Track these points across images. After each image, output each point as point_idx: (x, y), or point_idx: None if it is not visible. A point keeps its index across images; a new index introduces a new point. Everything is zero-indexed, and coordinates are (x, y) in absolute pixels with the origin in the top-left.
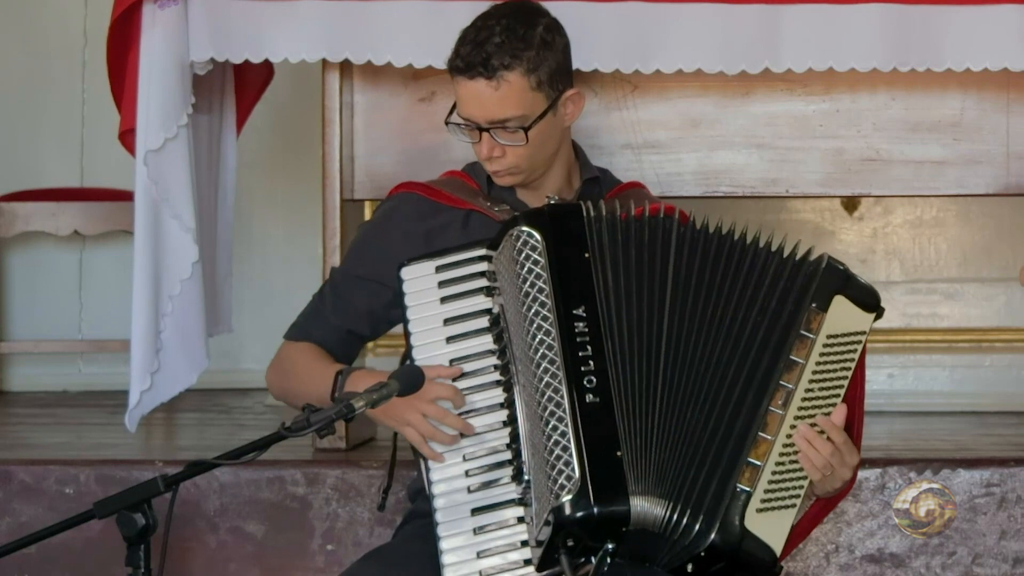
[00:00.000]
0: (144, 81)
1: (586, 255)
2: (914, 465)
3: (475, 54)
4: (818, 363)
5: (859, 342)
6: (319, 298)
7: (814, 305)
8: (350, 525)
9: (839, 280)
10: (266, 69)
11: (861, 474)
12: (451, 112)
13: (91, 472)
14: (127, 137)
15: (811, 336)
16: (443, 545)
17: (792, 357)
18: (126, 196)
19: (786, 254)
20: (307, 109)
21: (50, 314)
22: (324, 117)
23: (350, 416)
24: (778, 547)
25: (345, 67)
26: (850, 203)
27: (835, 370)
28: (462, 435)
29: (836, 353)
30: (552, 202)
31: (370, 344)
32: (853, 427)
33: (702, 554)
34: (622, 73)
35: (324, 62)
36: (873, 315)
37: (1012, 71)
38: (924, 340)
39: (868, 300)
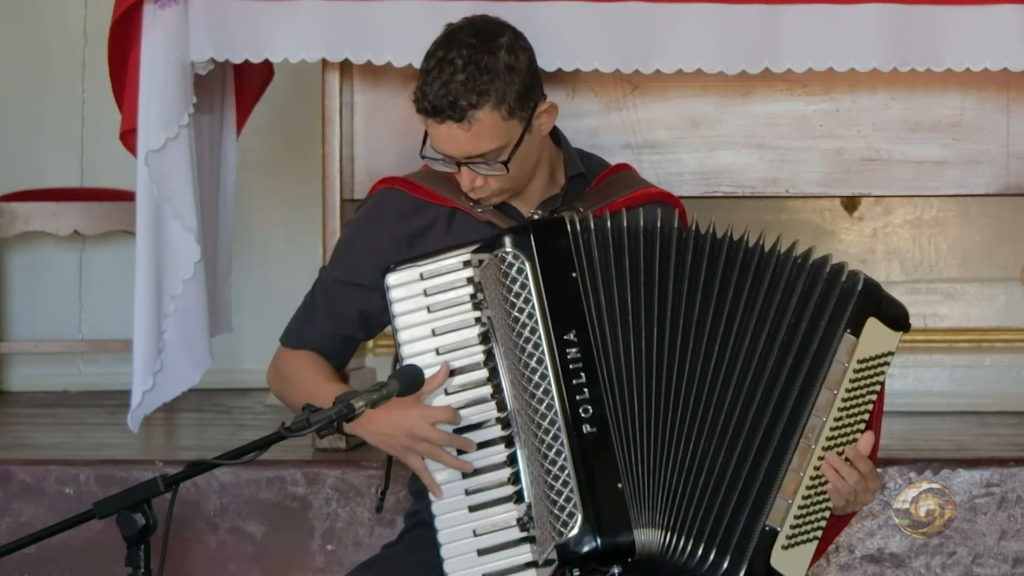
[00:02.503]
0: (145, 81)
1: (573, 275)
2: (914, 465)
3: (441, 97)
4: (848, 390)
5: (887, 364)
6: (311, 301)
7: (848, 331)
8: (350, 525)
9: (874, 302)
10: (266, 69)
11: None
12: (424, 144)
13: (91, 472)
14: (128, 137)
15: (844, 364)
16: (447, 566)
17: (826, 390)
18: (126, 196)
19: (813, 266)
20: (307, 109)
21: (50, 314)
22: (324, 117)
23: (350, 416)
24: None
25: (345, 67)
26: (850, 203)
27: (862, 395)
28: (460, 452)
29: (864, 378)
30: (536, 217)
31: (370, 344)
32: (873, 444)
33: None
34: (622, 73)
35: (324, 62)
36: (901, 333)
37: (1012, 71)
38: (924, 340)
39: (898, 318)
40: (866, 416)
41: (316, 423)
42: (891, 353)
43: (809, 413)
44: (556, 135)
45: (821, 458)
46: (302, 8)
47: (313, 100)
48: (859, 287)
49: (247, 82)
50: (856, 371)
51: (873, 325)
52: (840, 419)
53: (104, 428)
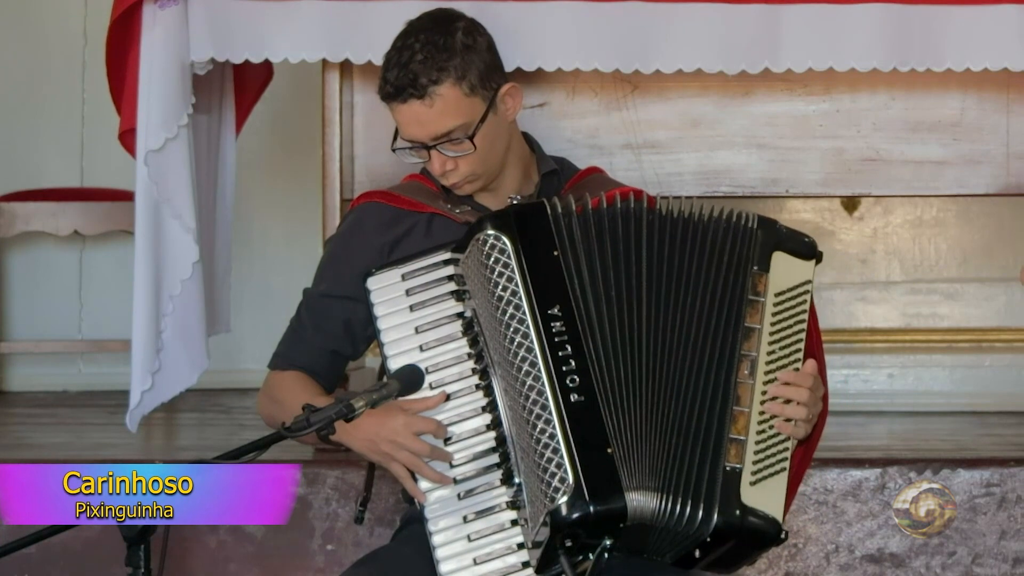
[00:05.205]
0: (144, 81)
1: (555, 253)
2: (914, 465)
3: (402, 77)
4: (772, 323)
5: (806, 292)
6: (297, 322)
7: (755, 268)
8: (350, 525)
9: (774, 237)
10: (266, 69)
11: (861, 474)
12: (395, 138)
13: None
14: (127, 137)
15: (760, 299)
16: (439, 554)
17: (747, 324)
18: (126, 196)
19: (731, 224)
20: (307, 109)
21: (50, 314)
22: (324, 117)
23: (350, 416)
24: (779, 514)
25: (345, 67)
26: (850, 203)
27: (790, 325)
28: (447, 440)
29: (787, 309)
30: (515, 202)
31: None
32: (820, 373)
33: (708, 539)
34: (622, 73)
35: (324, 62)
36: (813, 262)
37: (1012, 71)
38: (924, 340)
39: (805, 250)
40: (799, 344)
41: (316, 423)
42: (808, 282)
43: (738, 351)
44: (529, 140)
45: (764, 392)
46: (302, 8)
47: (313, 100)
48: (755, 227)
49: (246, 82)
50: (776, 304)
51: (781, 258)
52: (773, 351)
53: (104, 428)
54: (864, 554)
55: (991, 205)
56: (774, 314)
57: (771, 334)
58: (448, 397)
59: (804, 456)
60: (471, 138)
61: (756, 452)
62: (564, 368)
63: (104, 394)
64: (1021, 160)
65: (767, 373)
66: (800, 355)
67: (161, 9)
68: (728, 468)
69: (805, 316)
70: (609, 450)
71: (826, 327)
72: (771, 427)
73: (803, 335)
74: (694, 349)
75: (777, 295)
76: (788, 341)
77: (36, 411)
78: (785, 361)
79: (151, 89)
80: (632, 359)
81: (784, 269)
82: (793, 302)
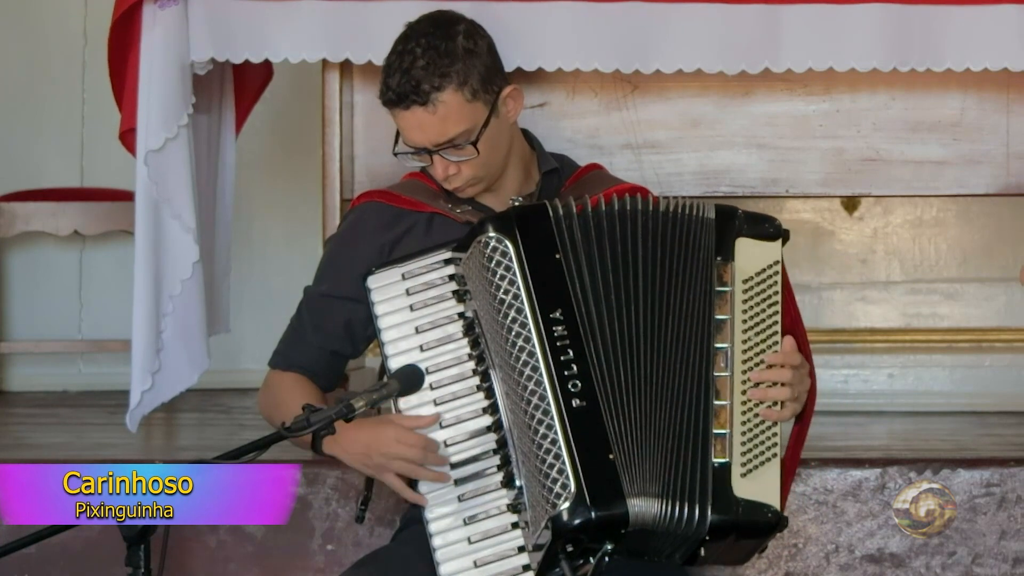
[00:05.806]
0: (144, 81)
1: (557, 256)
2: (914, 465)
3: (404, 83)
4: (744, 311)
5: (776, 273)
6: (297, 321)
7: (719, 259)
8: (350, 525)
9: (734, 224)
10: (265, 69)
11: (861, 474)
12: (396, 142)
13: None
14: (128, 137)
15: (727, 289)
16: (439, 556)
17: (717, 317)
18: (126, 196)
19: (699, 218)
20: (307, 109)
21: (50, 314)
22: (324, 117)
23: (350, 416)
24: (775, 500)
25: (345, 67)
26: (850, 203)
27: (763, 309)
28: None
29: (757, 294)
30: (516, 204)
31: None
32: (801, 350)
33: (707, 537)
34: (622, 73)
35: (324, 62)
36: (779, 242)
37: (1012, 71)
38: (924, 340)
39: (769, 231)
40: (775, 326)
41: (316, 423)
42: (776, 262)
43: (712, 345)
44: (529, 138)
45: (745, 382)
46: (302, 8)
47: (313, 100)
48: (713, 217)
49: (246, 82)
50: (745, 291)
51: (745, 245)
52: (749, 339)
53: (104, 428)
54: (864, 554)
55: (991, 205)
56: (744, 301)
57: (744, 322)
58: (438, 369)
59: (799, 434)
60: (474, 143)
61: (743, 443)
62: (566, 372)
63: (104, 394)
64: (1021, 160)
65: (744, 362)
66: (778, 337)
67: (161, 9)
68: (716, 464)
69: (778, 298)
70: (611, 455)
71: (826, 327)
72: (755, 416)
73: (777, 316)
74: (681, 348)
75: (745, 282)
76: (763, 326)
77: (36, 411)
78: (762, 346)
79: (151, 89)
80: (631, 362)
81: (749, 255)
82: (763, 286)
